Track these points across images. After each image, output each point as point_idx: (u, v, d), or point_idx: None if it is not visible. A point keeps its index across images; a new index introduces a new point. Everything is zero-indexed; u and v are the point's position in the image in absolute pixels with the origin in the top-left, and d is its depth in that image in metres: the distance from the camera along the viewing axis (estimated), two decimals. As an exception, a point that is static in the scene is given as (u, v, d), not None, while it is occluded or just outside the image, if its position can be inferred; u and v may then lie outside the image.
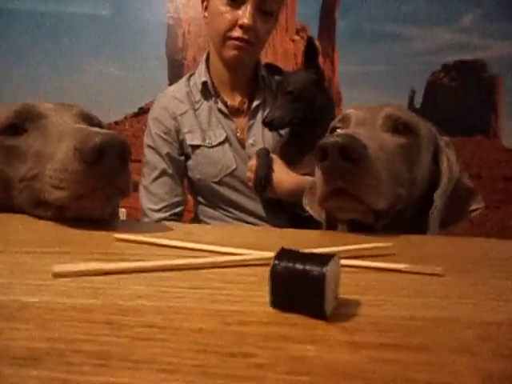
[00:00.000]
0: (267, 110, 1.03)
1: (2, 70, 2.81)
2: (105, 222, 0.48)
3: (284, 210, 1.07)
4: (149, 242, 0.38)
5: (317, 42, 1.05)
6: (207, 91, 1.09)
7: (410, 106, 3.12)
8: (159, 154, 1.08)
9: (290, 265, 0.22)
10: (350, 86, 3.07)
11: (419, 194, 0.60)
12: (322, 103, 0.99)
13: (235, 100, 1.12)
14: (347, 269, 0.32)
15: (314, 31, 3.17)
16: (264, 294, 0.23)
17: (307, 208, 0.72)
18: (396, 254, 0.39)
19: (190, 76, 1.15)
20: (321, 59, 1.04)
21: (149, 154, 1.10)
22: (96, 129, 0.47)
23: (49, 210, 0.48)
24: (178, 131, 1.08)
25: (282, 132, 1.08)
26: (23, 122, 0.52)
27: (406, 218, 0.58)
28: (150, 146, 1.09)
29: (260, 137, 1.09)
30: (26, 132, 0.52)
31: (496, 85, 3.15)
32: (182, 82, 1.14)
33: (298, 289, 0.22)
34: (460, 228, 0.65)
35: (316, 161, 0.50)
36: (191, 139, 1.07)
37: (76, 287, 0.25)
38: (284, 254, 0.24)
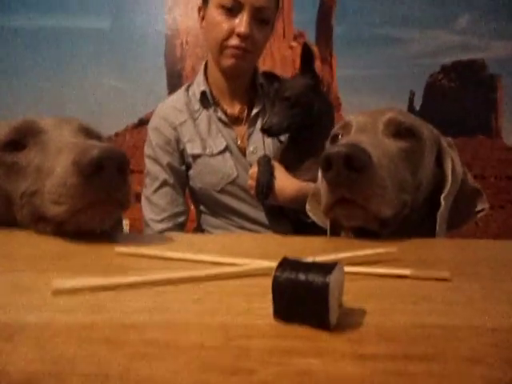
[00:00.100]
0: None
1: (2, 84, 2.84)
2: (106, 235, 0.48)
3: (287, 217, 1.06)
4: (149, 255, 0.38)
5: (315, 48, 1.05)
6: (206, 100, 1.10)
7: (410, 108, 3.11)
8: (160, 164, 1.08)
9: (293, 275, 0.22)
10: (349, 90, 3.07)
11: (424, 197, 0.59)
12: (320, 108, 0.99)
13: (234, 108, 1.12)
14: (351, 276, 0.32)
15: (311, 37, 3.18)
16: (267, 305, 0.23)
17: (310, 214, 0.71)
18: (400, 258, 0.39)
19: (189, 86, 1.15)
20: (319, 64, 1.04)
21: (149, 165, 1.10)
22: (94, 142, 0.47)
23: (49, 225, 0.48)
24: (178, 141, 1.08)
25: (283, 138, 1.08)
26: (23, 138, 0.52)
27: (412, 222, 0.57)
28: (150, 157, 1.09)
29: (260, 144, 1.09)
30: (26, 148, 0.52)
31: (496, 84, 3.15)
32: (181, 91, 1.14)
33: (301, 299, 0.21)
34: (465, 229, 0.64)
35: (320, 170, 0.50)
36: (191, 148, 1.07)
37: (75, 304, 0.25)
38: (286, 263, 0.23)
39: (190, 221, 1.15)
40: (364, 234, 0.54)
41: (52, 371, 0.17)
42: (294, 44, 3.18)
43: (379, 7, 3.03)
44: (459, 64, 3.17)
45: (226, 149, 1.07)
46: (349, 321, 0.23)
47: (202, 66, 1.15)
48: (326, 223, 0.65)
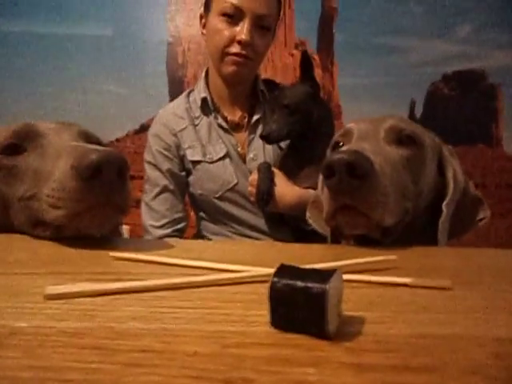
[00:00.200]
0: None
1: (3, 91, 2.85)
2: (105, 240, 0.47)
3: (287, 224, 1.05)
4: (146, 260, 0.37)
5: (316, 56, 1.06)
6: (207, 107, 1.10)
7: (411, 116, 3.11)
8: (160, 170, 1.08)
9: (290, 282, 0.21)
10: (350, 98, 3.07)
11: (425, 205, 0.59)
12: (320, 116, 0.99)
13: (235, 115, 1.12)
14: (351, 284, 0.31)
15: (312, 45, 3.20)
16: (264, 313, 0.22)
17: (311, 222, 0.71)
18: (401, 266, 0.38)
19: (190, 92, 1.16)
20: (320, 72, 1.05)
21: (149, 171, 1.09)
22: (93, 146, 0.47)
23: (47, 229, 0.47)
24: (178, 147, 1.08)
25: (283, 145, 1.08)
26: (22, 142, 0.52)
27: (413, 230, 0.57)
28: (150, 163, 1.09)
29: (261, 151, 1.08)
30: (26, 151, 0.51)
31: (496, 93, 3.15)
32: (182, 98, 1.15)
33: (299, 307, 0.21)
34: (466, 238, 0.63)
35: (322, 177, 0.49)
36: (192, 155, 1.07)
37: (68, 310, 0.24)
38: (284, 270, 0.23)
39: (189, 227, 1.15)
40: (365, 241, 0.53)
41: (41, 378, 0.16)
42: (295, 52, 3.20)
43: (380, 16, 3.05)
44: (460, 73, 3.19)
45: (226, 155, 1.07)
46: (348, 330, 0.22)
47: (203, 73, 1.15)
48: (326, 231, 0.64)
